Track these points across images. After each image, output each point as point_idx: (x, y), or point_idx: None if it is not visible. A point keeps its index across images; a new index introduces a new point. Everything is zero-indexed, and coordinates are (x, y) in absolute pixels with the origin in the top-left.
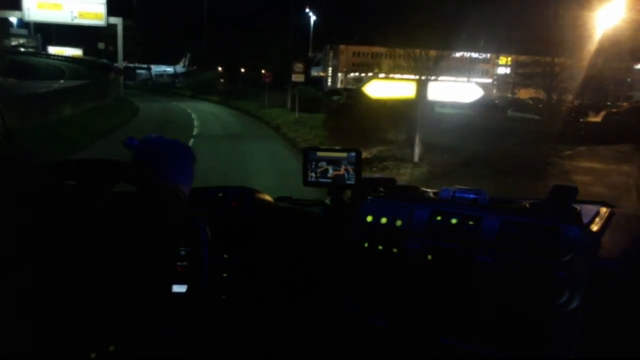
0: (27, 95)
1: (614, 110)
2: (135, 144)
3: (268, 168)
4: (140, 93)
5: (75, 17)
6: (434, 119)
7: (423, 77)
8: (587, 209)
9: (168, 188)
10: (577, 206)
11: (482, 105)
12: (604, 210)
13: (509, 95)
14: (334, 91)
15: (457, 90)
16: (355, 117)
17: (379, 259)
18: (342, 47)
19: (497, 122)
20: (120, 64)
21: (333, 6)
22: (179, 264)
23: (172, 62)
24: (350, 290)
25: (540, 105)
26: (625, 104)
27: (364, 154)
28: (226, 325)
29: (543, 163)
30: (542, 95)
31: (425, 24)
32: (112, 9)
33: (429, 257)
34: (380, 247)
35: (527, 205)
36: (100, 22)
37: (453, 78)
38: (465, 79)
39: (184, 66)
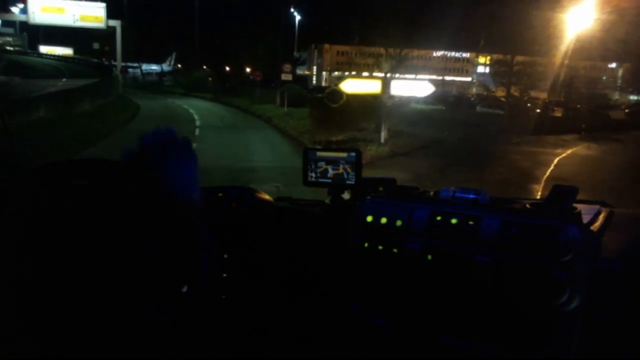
0: (58, 92)
1: (578, 105)
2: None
3: (264, 149)
4: (133, 91)
5: (77, 20)
6: (408, 113)
7: (388, 75)
8: (587, 209)
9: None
10: (577, 206)
11: (457, 102)
12: (604, 210)
13: (485, 92)
14: (318, 89)
15: (413, 86)
16: (334, 110)
17: (379, 259)
18: (326, 46)
19: (466, 116)
20: (119, 63)
21: (317, 6)
22: None
23: (158, 61)
24: (350, 290)
25: (503, 100)
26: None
27: (340, 137)
28: (226, 325)
29: (490, 147)
30: (516, 92)
31: (400, 25)
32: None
33: (429, 257)
34: (380, 247)
35: (527, 205)
36: (101, 24)
37: (430, 77)
38: (443, 78)
39: (169, 65)
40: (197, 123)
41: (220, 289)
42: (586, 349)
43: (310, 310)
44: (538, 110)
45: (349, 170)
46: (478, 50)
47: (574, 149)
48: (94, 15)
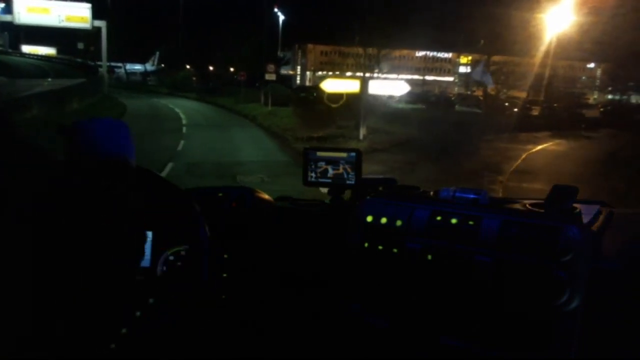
0: (48, 92)
1: (554, 104)
2: (69, 129)
3: (250, 145)
4: (118, 91)
5: (63, 20)
6: (389, 112)
7: (367, 75)
8: (587, 209)
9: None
10: (577, 206)
11: (438, 101)
12: (604, 210)
13: (468, 92)
14: (302, 88)
15: (390, 86)
16: (316, 108)
17: (379, 259)
18: (310, 46)
19: (444, 114)
20: (105, 63)
21: (300, 6)
22: (178, 263)
23: (141, 61)
24: (350, 290)
25: (485, 99)
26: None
27: (320, 133)
28: (226, 325)
29: (464, 143)
30: (493, 91)
31: (379, 25)
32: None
33: (429, 257)
34: (380, 247)
35: (528, 205)
36: (86, 25)
37: (412, 76)
38: (424, 77)
39: (153, 64)
40: (184, 121)
41: (220, 289)
42: (586, 349)
43: (310, 310)
44: (516, 110)
45: (349, 170)
46: (459, 50)
47: (544, 145)
48: (80, 16)
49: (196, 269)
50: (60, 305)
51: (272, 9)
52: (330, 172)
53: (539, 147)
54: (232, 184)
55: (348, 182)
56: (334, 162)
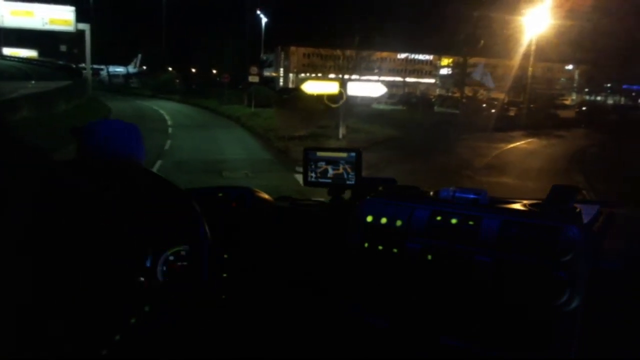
0: (35, 94)
1: (531, 105)
2: (84, 130)
3: (234, 144)
4: (101, 93)
5: (46, 23)
6: (369, 112)
7: (346, 77)
8: (587, 209)
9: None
10: (577, 206)
11: (419, 102)
12: (604, 210)
13: (449, 93)
14: (285, 90)
15: (367, 87)
16: (298, 109)
17: (379, 259)
18: (292, 48)
19: (423, 115)
20: (89, 66)
21: (283, 8)
22: (178, 264)
23: (123, 63)
24: (350, 290)
25: (465, 101)
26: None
27: (302, 132)
28: (226, 325)
29: (439, 142)
30: (470, 92)
31: (357, 28)
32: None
33: (429, 257)
34: (380, 247)
35: (528, 205)
36: (70, 27)
37: (394, 78)
38: (404, 79)
39: (135, 67)
40: (169, 122)
41: (220, 289)
42: (586, 349)
43: (310, 310)
44: (493, 111)
45: (349, 170)
46: (439, 52)
47: (517, 143)
48: (64, 19)
49: (196, 269)
50: (60, 306)
51: (255, 11)
52: (330, 172)
53: (511, 145)
54: (218, 178)
55: (348, 182)
56: (334, 162)
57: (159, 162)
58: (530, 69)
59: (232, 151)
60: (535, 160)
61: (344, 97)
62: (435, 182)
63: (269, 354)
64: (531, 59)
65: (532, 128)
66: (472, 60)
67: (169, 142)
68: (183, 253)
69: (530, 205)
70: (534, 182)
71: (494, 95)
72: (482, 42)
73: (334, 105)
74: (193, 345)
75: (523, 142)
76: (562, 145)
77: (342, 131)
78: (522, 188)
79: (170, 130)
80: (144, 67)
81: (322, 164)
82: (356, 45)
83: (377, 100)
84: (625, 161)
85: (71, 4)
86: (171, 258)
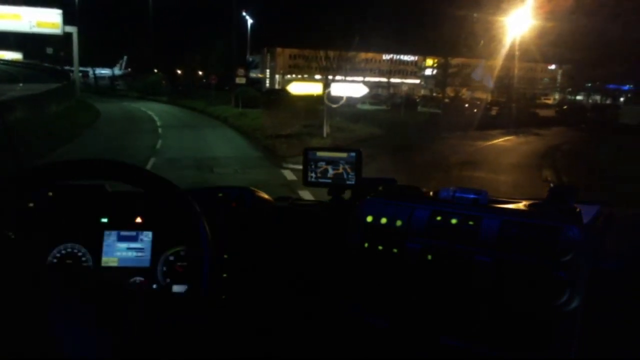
0: (28, 96)
1: (512, 105)
2: None
3: (223, 143)
4: (88, 95)
5: (34, 26)
6: (353, 112)
7: (330, 77)
8: (587, 209)
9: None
10: (577, 206)
11: (403, 103)
12: (604, 210)
13: (433, 94)
14: (272, 91)
15: (350, 88)
16: (284, 109)
17: (379, 259)
18: (278, 49)
19: (406, 115)
20: (77, 68)
21: (268, 9)
22: (178, 264)
23: (108, 65)
24: (350, 290)
25: (447, 100)
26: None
27: (288, 131)
28: (226, 325)
29: (419, 140)
30: (452, 92)
31: (339, 30)
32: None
33: (429, 257)
34: (380, 247)
35: (527, 206)
36: (57, 30)
37: (380, 79)
38: (389, 80)
39: (120, 69)
40: (158, 123)
41: (220, 289)
42: (586, 349)
43: (310, 310)
44: (475, 110)
45: (348, 170)
46: (422, 53)
47: (494, 141)
48: (51, 22)
49: (196, 270)
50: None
51: (240, 12)
52: (330, 172)
53: (488, 142)
54: (209, 174)
55: (348, 182)
56: (334, 162)
57: (152, 160)
58: (515, 69)
59: (222, 149)
60: (509, 157)
61: (344, 98)
62: (413, 176)
63: (269, 354)
64: (515, 59)
65: (511, 127)
66: (454, 61)
67: (160, 141)
68: (183, 253)
69: (530, 205)
70: (506, 175)
71: (477, 95)
72: (464, 42)
73: (334, 106)
74: (193, 346)
75: (500, 139)
76: (537, 143)
77: (326, 130)
78: (493, 181)
79: (160, 130)
80: (129, 69)
81: (322, 164)
82: (340, 46)
83: (362, 100)
84: (593, 156)
85: (57, 7)
86: (171, 258)
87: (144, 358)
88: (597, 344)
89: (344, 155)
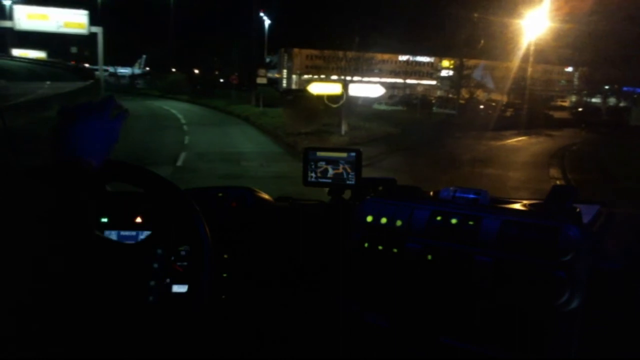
0: (63, 94)
1: (526, 106)
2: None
3: (246, 139)
4: (111, 93)
5: (61, 26)
6: (370, 113)
7: (348, 78)
8: (587, 209)
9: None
10: (577, 206)
11: (419, 103)
12: (604, 210)
13: (449, 95)
14: (288, 91)
15: (367, 89)
16: (303, 108)
17: (379, 259)
18: (295, 50)
19: (422, 115)
20: (102, 67)
21: (286, 10)
22: (178, 264)
23: (128, 64)
24: (350, 290)
25: (462, 102)
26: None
27: (307, 129)
28: (226, 325)
29: (434, 139)
30: (467, 94)
31: (357, 31)
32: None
33: (429, 257)
34: (380, 247)
35: (527, 206)
36: (83, 30)
37: (396, 80)
38: (405, 80)
39: (139, 68)
40: (183, 121)
41: (220, 289)
42: (586, 349)
43: (310, 310)
44: (490, 112)
45: (348, 170)
46: (439, 54)
47: (507, 141)
48: (78, 22)
49: (196, 269)
50: (59, 306)
51: (258, 13)
52: (330, 172)
53: (500, 142)
54: (237, 167)
55: (348, 182)
56: (334, 162)
57: (183, 154)
58: (529, 70)
59: (246, 145)
60: (520, 155)
61: (344, 97)
62: (426, 172)
63: (269, 354)
64: (530, 60)
65: (525, 128)
66: (471, 63)
67: (187, 137)
68: (183, 253)
69: (530, 205)
70: (514, 172)
71: (493, 96)
72: (481, 43)
73: (334, 105)
74: (193, 346)
75: (513, 140)
76: (549, 143)
77: (344, 128)
78: (502, 177)
79: (185, 127)
80: (147, 68)
81: (322, 164)
82: (357, 47)
83: (378, 100)
84: (602, 156)
85: (83, 8)
86: (171, 258)
87: (144, 358)
88: (597, 344)
89: (343, 155)
